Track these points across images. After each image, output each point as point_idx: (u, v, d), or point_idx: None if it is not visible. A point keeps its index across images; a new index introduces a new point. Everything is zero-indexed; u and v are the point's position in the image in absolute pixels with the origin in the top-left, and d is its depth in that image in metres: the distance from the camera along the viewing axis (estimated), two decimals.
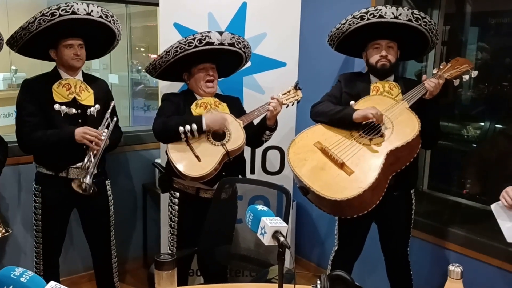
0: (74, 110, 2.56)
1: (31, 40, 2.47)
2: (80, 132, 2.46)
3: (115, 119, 2.68)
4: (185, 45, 2.53)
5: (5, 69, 4.88)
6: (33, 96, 2.54)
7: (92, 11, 2.47)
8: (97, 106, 2.63)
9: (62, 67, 2.60)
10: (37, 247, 2.69)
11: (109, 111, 2.66)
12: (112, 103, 2.71)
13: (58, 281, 2.73)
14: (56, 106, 2.53)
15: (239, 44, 2.65)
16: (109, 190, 2.81)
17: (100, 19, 2.51)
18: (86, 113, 2.60)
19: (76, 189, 2.45)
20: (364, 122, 2.39)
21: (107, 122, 2.63)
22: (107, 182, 2.80)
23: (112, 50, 2.87)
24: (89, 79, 2.71)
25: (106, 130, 2.58)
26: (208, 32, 2.56)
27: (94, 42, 2.67)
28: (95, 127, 2.54)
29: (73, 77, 2.61)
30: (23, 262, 3.16)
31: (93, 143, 2.47)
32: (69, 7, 2.39)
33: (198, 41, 2.52)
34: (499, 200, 2.10)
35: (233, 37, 2.61)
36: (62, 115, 2.54)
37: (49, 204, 2.63)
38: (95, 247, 2.86)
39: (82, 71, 2.69)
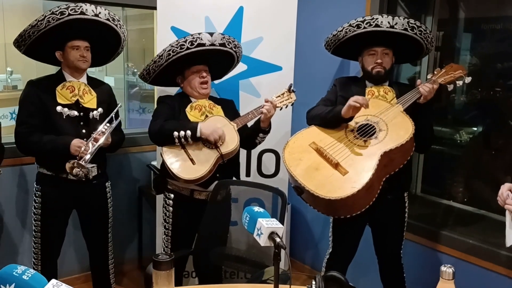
0: (76, 113, 2.59)
1: (38, 40, 2.49)
2: (75, 146, 2.48)
3: (119, 119, 2.68)
4: (177, 47, 2.55)
5: (1, 70, 4.87)
6: (36, 97, 2.56)
7: (100, 13, 2.51)
8: (100, 109, 2.65)
9: (67, 69, 2.62)
10: (35, 247, 2.69)
11: (115, 110, 2.66)
12: (119, 105, 2.72)
13: None
14: (59, 108, 2.55)
15: (230, 44, 2.68)
16: (109, 192, 2.82)
17: (107, 22, 2.55)
18: (88, 116, 2.62)
19: (68, 170, 2.41)
20: (359, 124, 2.43)
21: (110, 119, 2.62)
22: (107, 184, 2.82)
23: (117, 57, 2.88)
24: (93, 83, 2.73)
25: (108, 125, 2.57)
26: (199, 33, 2.58)
27: (100, 48, 2.69)
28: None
29: (77, 80, 2.63)
30: (20, 263, 3.15)
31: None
32: (78, 7, 2.43)
33: (190, 43, 2.55)
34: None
35: (224, 38, 2.63)
36: (64, 117, 2.56)
37: (49, 205, 2.64)
38: (93, 248, 2.87)
39: (87, 75, 2.71)
